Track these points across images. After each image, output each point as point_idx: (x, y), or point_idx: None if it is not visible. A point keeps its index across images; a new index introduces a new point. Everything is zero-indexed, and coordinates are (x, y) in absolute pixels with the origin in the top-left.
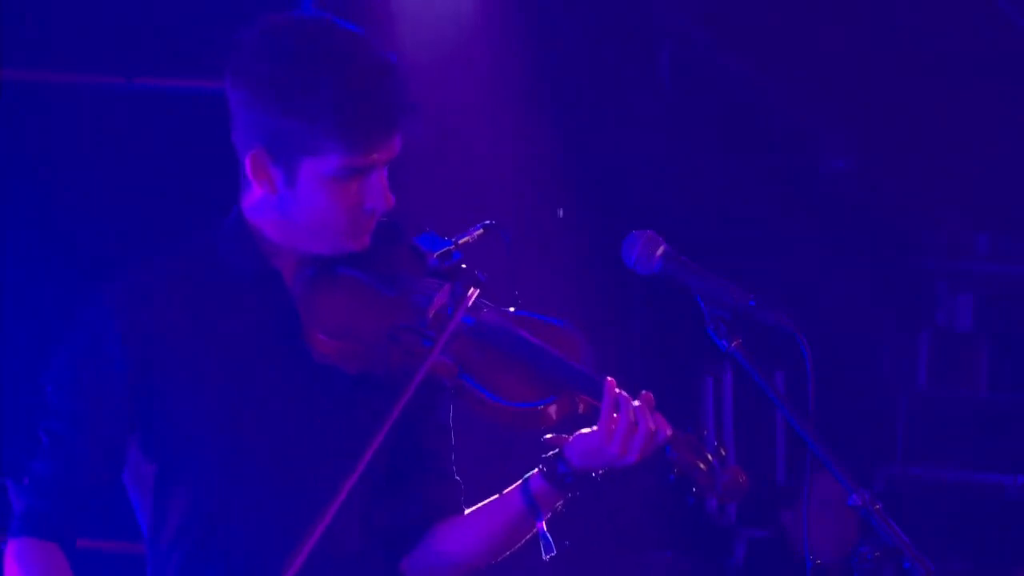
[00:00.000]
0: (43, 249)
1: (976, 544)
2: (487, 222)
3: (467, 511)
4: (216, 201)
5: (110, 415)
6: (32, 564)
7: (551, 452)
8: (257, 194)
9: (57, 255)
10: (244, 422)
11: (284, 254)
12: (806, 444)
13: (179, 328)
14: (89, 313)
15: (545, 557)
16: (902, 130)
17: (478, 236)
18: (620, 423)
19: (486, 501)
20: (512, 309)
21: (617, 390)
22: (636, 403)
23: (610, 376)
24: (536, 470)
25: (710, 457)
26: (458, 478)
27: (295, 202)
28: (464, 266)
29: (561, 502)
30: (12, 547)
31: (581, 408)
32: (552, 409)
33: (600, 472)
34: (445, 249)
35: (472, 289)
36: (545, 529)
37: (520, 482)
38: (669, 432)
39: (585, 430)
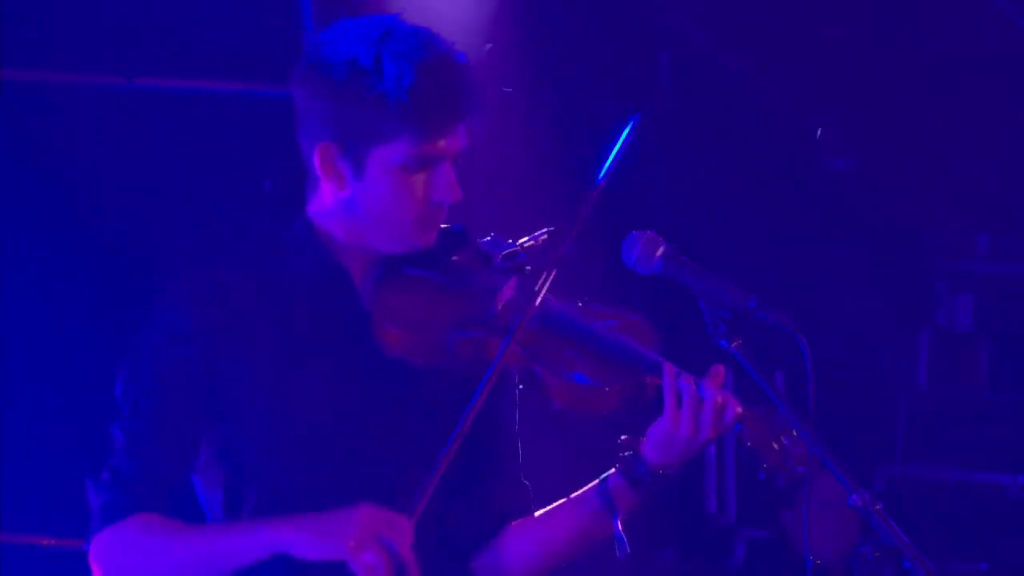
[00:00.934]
0: (43, 249)
1: (976, 544)
2: (550, 228)
3: (540, 512)
4: (216, 201)
5: (184, 412)
6: (136, 539)
7: (627, 452)
8: (325, 195)
9: (57, 255)
10: (318, 419)
11: (353, 255)
12: (806, 444)
13: (250, 327)
14: (161, 311)
15: (620, 556)
16: (902, 130)
17: (543, 241)
18: (685, 400)
19: (560, 501)
20: (580, 304)
21: (677, 370)
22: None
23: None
24: (613, 470)
25: (782, 437)
26: (527, 481)
27: (363, 195)
28: (528, 268)
29: (638, 503)
30: (96, 543)
31: (649, 392)
32: (616, 389)
33: (677, 465)
34: (511, 250)
35: (548, 273)
36: (621, 529)
37: (597, 482)
38: (739, 408)
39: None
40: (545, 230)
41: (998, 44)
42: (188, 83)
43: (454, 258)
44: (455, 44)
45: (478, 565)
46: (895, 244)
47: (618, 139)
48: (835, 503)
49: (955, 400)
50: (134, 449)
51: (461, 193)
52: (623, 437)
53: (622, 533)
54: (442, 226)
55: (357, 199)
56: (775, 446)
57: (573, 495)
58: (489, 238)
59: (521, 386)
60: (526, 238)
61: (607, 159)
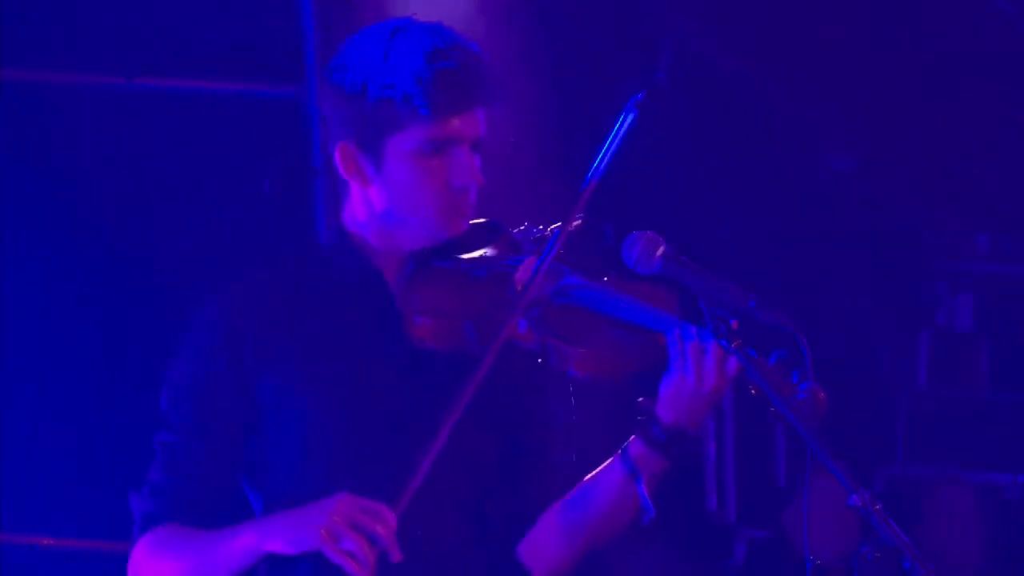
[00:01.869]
0: (43, 249)
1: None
2: (582, 215)
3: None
4: (216, 201)
5: (221, 424)
6: (156, 548)
7: (643, 415)
8: (354, 198)
9: (57, 255)
10: (353, 415)
11: (387, 257)
12: (806, 444)
13: (288, 338)
14: (196, 326)
15: (645, 521)
16: (902, 130)
17: (575, 226)
18: (688, 348)
19: (588, 476)
20: (605, 279)
21: (680, 320)
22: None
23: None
24: (633, 436)
25: (787, 377)
26: (571, 470)
27: (386, 188)
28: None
29: (661, 467)
30: (135, 552)
31: (663, 351)
32: (627, 350)
33: (692, 422)
34: (539, 235)
35: (554, 247)
36: (645, 492)
37: (621, 449)
38: (735, 367)
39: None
40: (578, 216)
41: (998, 44)
42: (188, 83)
43: (482, 247)
44: (468, 37)
45: (523, 550)
46: (895, 244)
47: (618, 122)
48: (835, 503)
49: (955, 400)
50: (170, 463)
51: (482, 177)
52: (640, 399)
53: (647, 498)
54: (476, 221)
55: (381, 193)
56: (782, 387)
57: (598, 468)
58: (522, 228)
59: (539, 360)
60: (557, 224)
61: (608, 140)
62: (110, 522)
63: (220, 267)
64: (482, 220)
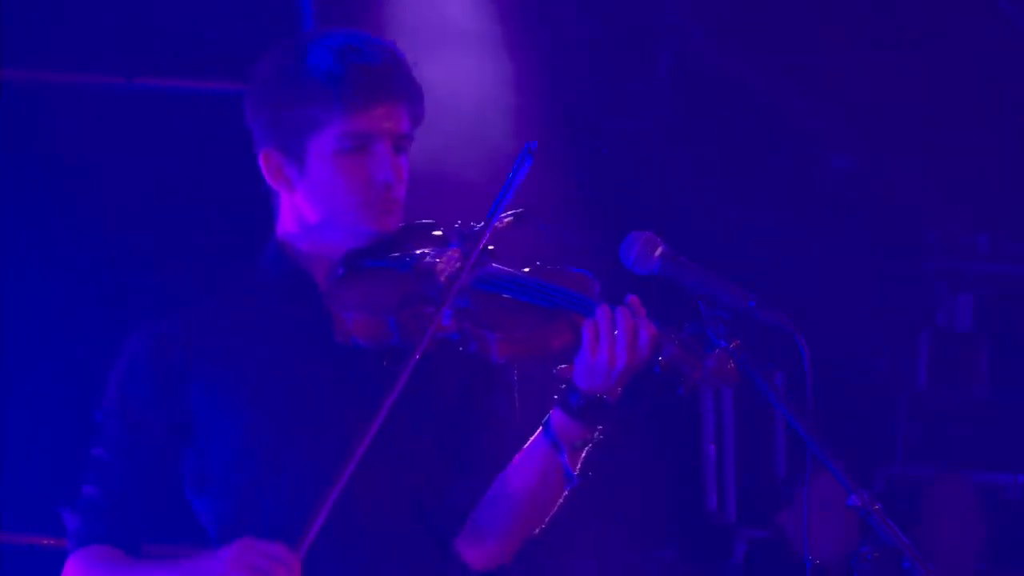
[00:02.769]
0: (43, 250)
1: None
2: (516, 211)
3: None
4: (216, 201)
5: (151, 444)
6: (83, 570)
7: (562, 384)
8: (285, 210)
9: (57, 256)
10: (284, 417)
11: (318, 262)
12: (806, 444)
13: (221, 350)
14: (129, 346)
15: (566, 488)
16: (902, 130)
17: (507, 222)
18: (601, 326)
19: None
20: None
21: (594, 300)
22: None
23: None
24: (554, 407)
25: (704, 359)
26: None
27: (311, 192)
28: (492, 247)
29: (582, 436)
30: (66, 568)
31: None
32: (551, 331)
33: (609, 391)
34: (469, 230)
35: (481, 241)
36: (567, 462)
37: (543, 421)
38: (654, 330)
39: None
40: (510, 213)
41: (998, 44)
42: (188, 83)
43: (409, 244)
44: (386, 39)
45: (461, 544)
46: (895, 244)
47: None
48: (835, 503)
49: (955, 400)
50: (102, 478)
51: (406, 173)
52: (559, 367)
53: (570, 467)
54: (423, 222)
55: (307, 197)
56: (698, 366)
57: (526, 444)
58: (456, 225)
59: (461, 348)
60: (488, 221)
61: (506, 185)
62: None
63: (219, 267)
64: (426, 222)
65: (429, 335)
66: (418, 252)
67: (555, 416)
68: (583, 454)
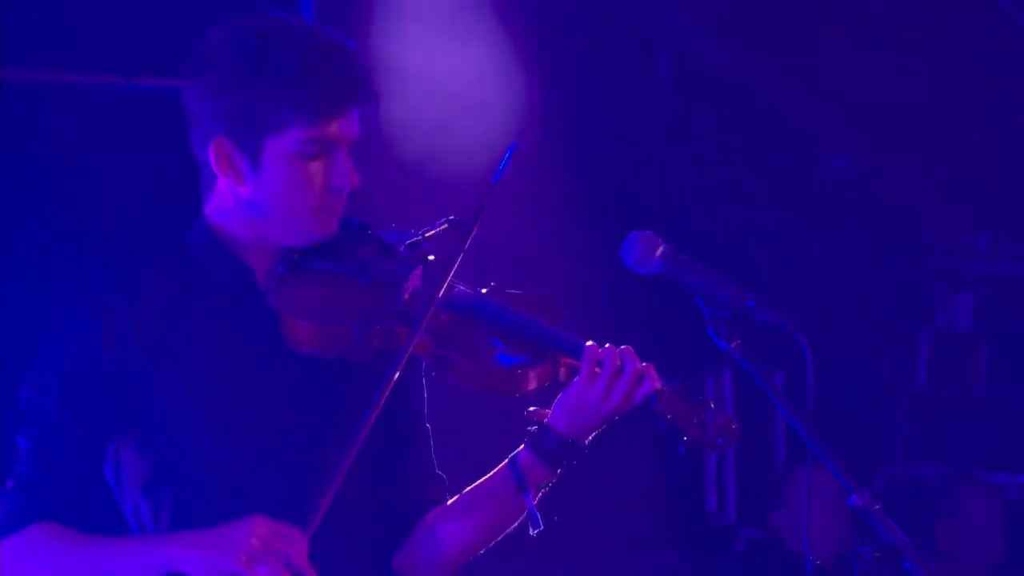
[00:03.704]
0: (42, 250)
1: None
2: (451, 217)
3: (455, 497)
4: None
5: (91, 418)
6: (34, 548)
7: (534, 426)
8: (223, 193)
9: (56, 255)
10: (232, 418)
11: (255, 252)
12: (806, 444)
13: (161, 332)
14: (68, 320)
15: (532, 533)
16: (902, 130)
17: (443, 230)
18: (606, 364)
19: (474, 484)
20: (484, 290)
21: (594, 345)
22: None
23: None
24: (522, 446)
25: (702, 412)
26: (439, 472)
27: (261, 188)
28: (431, 257)
29: (549, 478)
30: (3, 552)
31: (562, 373)
32: (532, 373)
33: (584, 436)
34: (414, 239)
35: (452, 260)
36: (534, 505)
37: (507, 460)
38: (658, 384)
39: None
40: (445, 220)
41: (998, 44)
42: None
43: (357, 249)
44: (343, 33)
45: (400, 561)
46: (895, 244)
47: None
48: (827, 501)
49: (955, 400)
50: (39, 457)
51: (358, 179)
52: (530, 409)
53: (535, 509)
54: (355, 221)
55: (256, 193)
56: (694, 420)
57: (486, 477)
58: (391, 229)
59: (434, 373)
60: (427, 227)
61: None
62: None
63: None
64: (357, 221)
65: (407, 351)
66: (365, 258)
67: (524, 456)
68: (541, 493)
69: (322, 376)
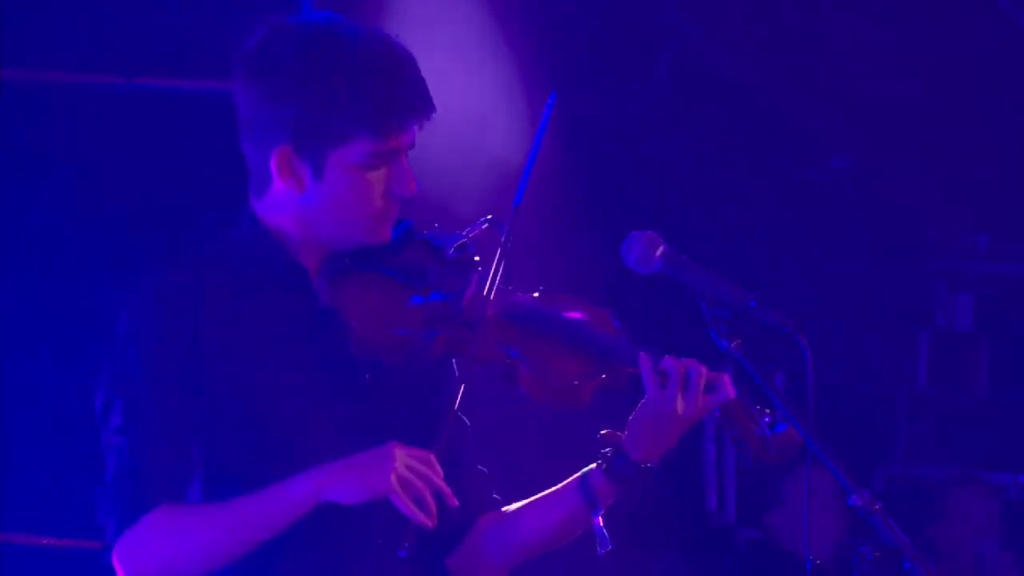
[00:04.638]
0: (42, 250)
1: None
2: (489, 216)
3: (516, 505)
4: (216, 201)
5: (181, 412)
6: (167, 526)
7: (608, 449)
8: (277, 194)
9: (56, 255)
10: (288, 416)
11: (307, 251)
12: (806, 444)
13: (220, 330)
14: (138, 317)
15: (601, 552)
16: (902, 130)
17: (484, 230)
18: (672, 377)
19: (538, 496)
20: (536, 295)
21: (655, 354)
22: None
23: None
24: (595, 465)
25: (759, 418)
26: (483, 468)
27: (322, 195)
28: (477, 258)
29: (618, 496)
30: (119, 548)
31: (622, 381)
32: (593, 381)
33: (658, 456)
34: (461, 242)
35: (498, 264)
36: (601, 524)
37: (578, 477)
38: (733, 394)
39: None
40: (485, 219)
41: (998, 44)
42: (188, 83)
43: (408, 253)
44: (403, 41)
45: (454, 562)
46: (895, 244)
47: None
48: (825, 501)
49: (955, 400)
50: (140, 450)
51: (417, 186)
52: (603, 432)
53: (603, 530)
54: (403, 222)
55: (315, 199)
56: (754, 429)
57: (552, 490)
58: (434, 230)
59: (497, 381)
60: (469, 228)
61: (533, 146)
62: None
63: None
64: (407, 222)
65: (471, 357)
66: (420, 262)
67: (597, 478)
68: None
69: (377, 377)
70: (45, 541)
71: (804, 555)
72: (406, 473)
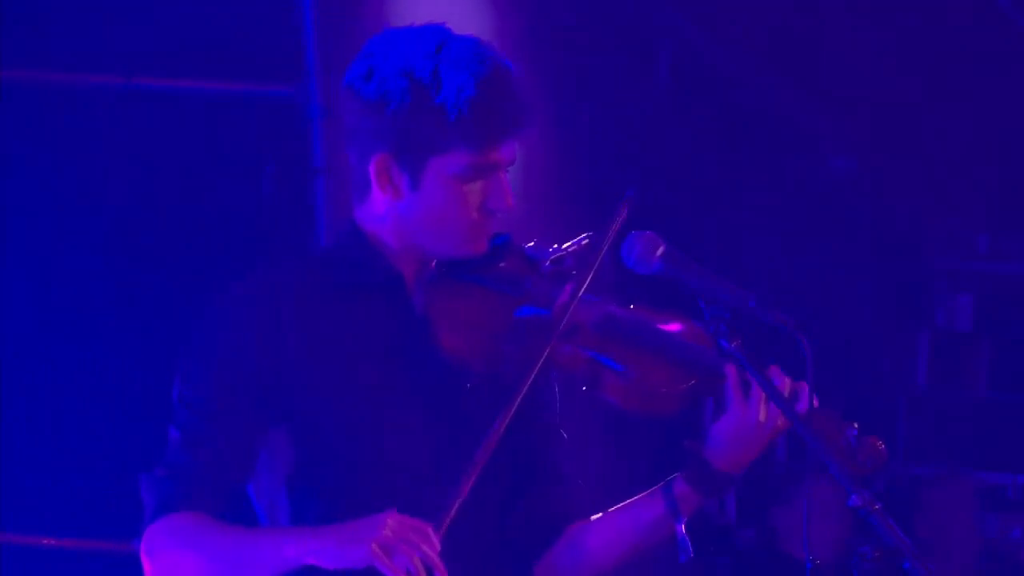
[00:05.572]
0: (43, 249)
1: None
2: (590, 233)
3: (602, 514)
4: (215, 200)
5: (242, 413)
6: (177, 534)
7: (693, 458)
8: (376, 202)
9: (57, 255)
10: (381, 422)
11: (405, 259)
12: (806, 444)
13: (310, 331)
14: (222, 312)
15: (683, 559)
16: (902, 130)
17: (584, 245)
18: (755, 388)
19: (622, 505)
20: (632, 306)
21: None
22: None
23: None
24: (679, 474)
25: (845, 429)
26: (581, 482)
27: (419, 205)
28: (574, 272)
29: (700, 503)
30: (151, 534)
31: (708, 392)
32: (680, 390)
33: (743, 466)
34: (558, 255)
35: (585, 274)
36: (684, 532)
37: (662, 485)
38: (815, 403)
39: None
40: (586, 235)
41: (998, 44)
42: (188, 83)
43: (502, 264)
44: (507, 56)
45: (540, 570)
46: (895, 244)
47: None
48: (828, 502)
49: (955, 400)
50: (191, 447)
51: (514, 202)
52: (687, 441)
53: (686, 537)
54: (501, 235)
55: (413, 207)
56: (841, 443)
57: (636, 498)
58: (532, 244)
59: (584, 388)
60: (569, 243)
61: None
62: (110, 522)
63: (219, 267)
64: (502, 234)
65: (539, 363)
66: (516, 272)
67: (680, 487)
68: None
69: (472, 383)
70: (45, 541)
71: (804, 555)
72: (391, 540)
